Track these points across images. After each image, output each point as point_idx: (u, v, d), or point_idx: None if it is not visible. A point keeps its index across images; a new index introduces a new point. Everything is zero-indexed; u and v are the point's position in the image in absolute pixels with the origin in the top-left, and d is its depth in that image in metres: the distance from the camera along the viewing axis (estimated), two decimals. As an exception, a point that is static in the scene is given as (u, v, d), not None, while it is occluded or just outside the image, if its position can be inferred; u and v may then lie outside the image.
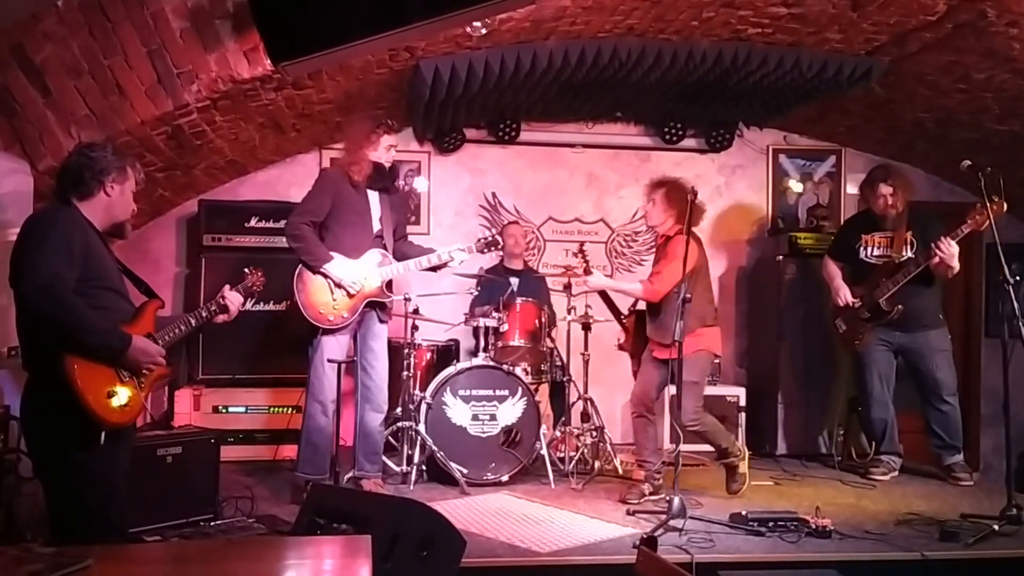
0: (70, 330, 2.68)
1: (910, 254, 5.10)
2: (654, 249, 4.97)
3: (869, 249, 5.30)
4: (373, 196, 4.66)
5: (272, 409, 5.59)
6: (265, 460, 5.49)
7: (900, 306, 5.06)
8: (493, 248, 4.90)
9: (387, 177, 4.70)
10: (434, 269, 4.80)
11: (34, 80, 3.91)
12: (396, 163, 4.81)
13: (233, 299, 3.28)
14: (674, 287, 4.41)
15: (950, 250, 4.82)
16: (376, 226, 4.65)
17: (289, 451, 5.44)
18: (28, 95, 3.93)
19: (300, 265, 4.50)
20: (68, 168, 2.92)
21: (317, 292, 4.48)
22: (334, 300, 4.49)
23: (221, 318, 3.26)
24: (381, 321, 4.68)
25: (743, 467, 4.77)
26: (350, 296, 4.50)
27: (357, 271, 4.52)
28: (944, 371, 5.20)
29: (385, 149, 4.59)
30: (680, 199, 4.52)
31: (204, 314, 3.20)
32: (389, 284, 4.68)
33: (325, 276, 4.47)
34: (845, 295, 5.27)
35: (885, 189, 5.16)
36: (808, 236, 6.30)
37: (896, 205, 5.15)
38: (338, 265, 4.47)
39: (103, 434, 2.74)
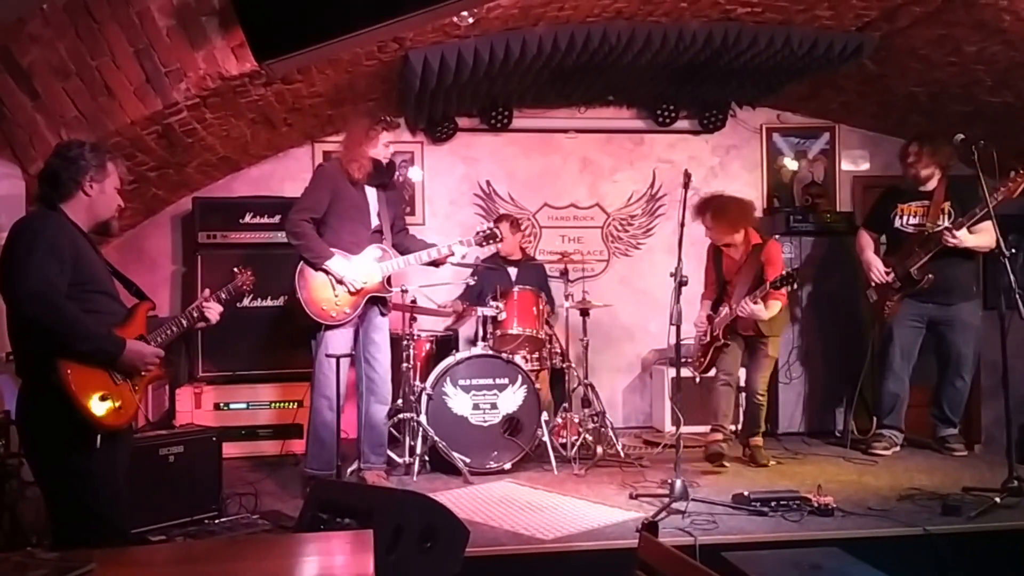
0: (64, 336, 2.67)
1: (947, 224, 5.01)
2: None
3: (905, 218, 5.26)
4: (371, 191, 4.65)
5: (273, 404, 5.60)
6: (268, 455, 5.50)
7: (931, 275, 5.02)
8: (492, 241, 4.86)
9: (385, 173, 4.69)
10: (435, 264, 4.78)
11: (22, 83, 3.89)
12: (393, 158, 4.79)
13: (212, 308, 3.21)
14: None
15: (961, 240, 4.90)
16: (375, 221, 4.65)
17: (292, 446, 5.49)
18: (16, 99, 3.92)
19: (301, 262, 4.49)
20: (46, 171, 2.88)
21: (319, 289, 4.48)
22: (336, 296, 4.48)
23: (201, 325, 3.20)
24: (382, 314, 4.69)
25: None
26: (352, 292, 4.50)
27: (358, 268, 4.51)
28: (969, 347, 5.22)
29: (384, 145, 4.59)
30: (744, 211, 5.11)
31: (185, 322, 3.15)
32: (389, 279, 4.67)
33: (327, 273, 4.47)
34: (878, 270, 5.22)
35: (912, 148, 5.23)
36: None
37: (916, 167, 5.18)
38: (339, 262, 4.47)
39: (99, 437, 2.73)
